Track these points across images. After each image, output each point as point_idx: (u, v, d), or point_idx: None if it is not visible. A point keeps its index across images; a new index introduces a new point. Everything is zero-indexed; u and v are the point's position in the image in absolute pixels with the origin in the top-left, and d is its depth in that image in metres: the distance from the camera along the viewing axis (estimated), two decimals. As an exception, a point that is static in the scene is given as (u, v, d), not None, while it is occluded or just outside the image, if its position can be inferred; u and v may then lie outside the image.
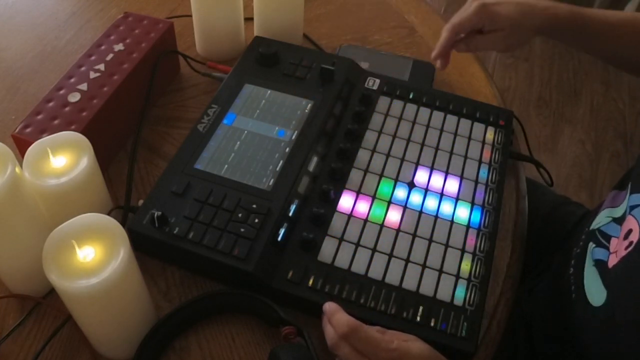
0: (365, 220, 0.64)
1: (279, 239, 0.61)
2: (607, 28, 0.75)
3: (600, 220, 0.68)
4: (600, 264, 0.63)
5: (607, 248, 0.63)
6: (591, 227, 0.68)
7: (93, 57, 0.74)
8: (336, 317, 0.54)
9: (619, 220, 0.63)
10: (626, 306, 0.58)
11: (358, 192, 0.67)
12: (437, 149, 0.72)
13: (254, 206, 0.62)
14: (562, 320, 0.70)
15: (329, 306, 0.56)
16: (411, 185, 0.68)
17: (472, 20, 0.73)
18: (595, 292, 0.62)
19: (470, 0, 0.74)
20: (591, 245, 0.66)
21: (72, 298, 0.50)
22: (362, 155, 0.70)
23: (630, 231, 0.59)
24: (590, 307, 0.62)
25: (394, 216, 0.65)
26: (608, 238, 0.64)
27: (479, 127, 0.75)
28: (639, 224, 0.58)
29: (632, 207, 0.60)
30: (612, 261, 0.61)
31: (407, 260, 0.61)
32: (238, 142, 0.69)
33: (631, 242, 0.58)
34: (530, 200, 0.76)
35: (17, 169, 0.52)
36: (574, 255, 0.70)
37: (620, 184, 0.69)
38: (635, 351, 0.57)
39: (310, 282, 0.59)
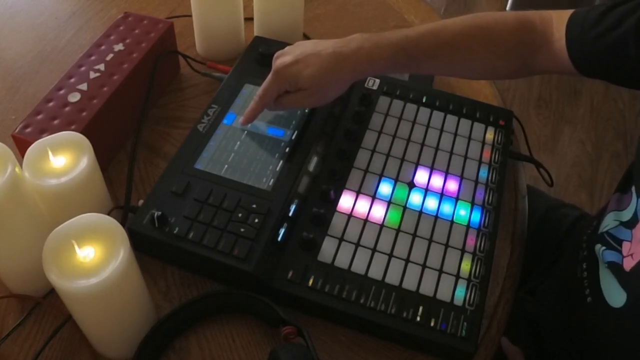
0: (365, 220, 0.64)
1: (279, 239, 0.61)
2: (440, 52, 0.68)
3: (608, 223, 0.67)
4: (614, 267, 0.62)
5: (619, 251, 0.63)
6: (599, 230, 0.68)
7: (93, 57, 0.74)
8: None
9: (629, 224, 0.63)
10: None
11: (358, 192, 0.67)
12: (437, 149, 0.72)
13: (254, 206, 0.62)
14: (573, 321, 0.70)
15: None
16: (411, 186, 0.68)
17: (273, 89, 0.66)
18: (614, 293, 0.61)
19: (273, 60, 0.68)
20: (600, 247, 0.66)
21: (72, 298, 0.50)
22: (362, 156, 0.70)
23: None
24: (609, 309, 0.61)
25: (394, 216, 0.65)
26: (619, 241, 0.63)
27: (479, 127, 0.75)
28: None
29: None
30: (629, 264, 0.60)
31: (407, 260, 0.61)
32: (238, 142, 0.69)
33: None
34: None
35: (17, 169, 0.52)
36: (583, 258, 0.69)
37: (622, 187, 0.69)
38: None
39: (310, 282, 0.59)
